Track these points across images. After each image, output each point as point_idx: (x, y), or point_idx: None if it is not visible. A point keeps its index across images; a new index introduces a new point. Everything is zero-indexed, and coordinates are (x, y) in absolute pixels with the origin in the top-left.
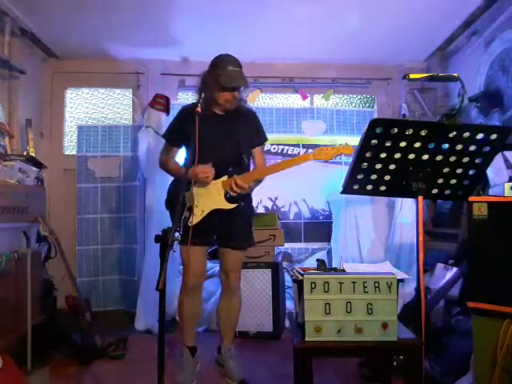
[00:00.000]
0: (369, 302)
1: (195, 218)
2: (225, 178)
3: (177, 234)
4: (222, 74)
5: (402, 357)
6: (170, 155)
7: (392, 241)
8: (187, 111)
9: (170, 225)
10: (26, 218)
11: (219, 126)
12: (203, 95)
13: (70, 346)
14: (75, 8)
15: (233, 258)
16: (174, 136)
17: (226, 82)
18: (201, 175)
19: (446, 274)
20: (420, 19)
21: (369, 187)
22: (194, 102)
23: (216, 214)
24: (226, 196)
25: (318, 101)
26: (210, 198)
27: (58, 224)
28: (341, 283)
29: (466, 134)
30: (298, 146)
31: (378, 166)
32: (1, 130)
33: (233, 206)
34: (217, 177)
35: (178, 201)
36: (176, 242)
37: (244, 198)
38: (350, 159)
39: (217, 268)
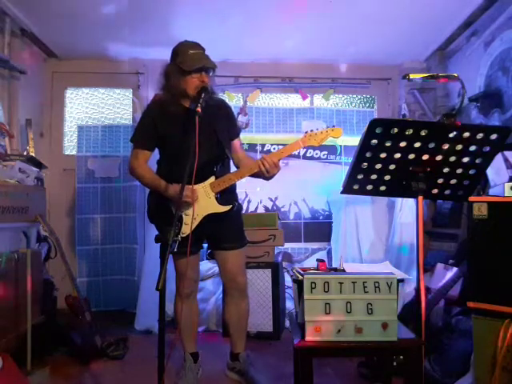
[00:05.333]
0: (369, 302)
1: (187, 228)
2: (212, 179)
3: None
4: (183, 60)
5: (401, 357)
6: (141, 160)
7: (392, 241)
8: (158, 109)
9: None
10: (26, 217)
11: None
12: (169, 89)
13: (70, 346)
14: (75, 8)
15: (235, 260)
16: (147, 138)
17: (189, 66)
18: (188, 198)
19: (446, 274)
20: (420, 19)
21: (369, 187)
22: (161, 98)
23: (207, 218)
24: (217, 199)
25: (318, 101)
26: (200, 203)
27: (58, 224)
28: (341, 283)
29: (466, 134)
30: None
31: (378, 166)
32: (1, 130)
33: (227, 208)
34: (202, 179)
35: (161, 212)
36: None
37: (235, 198)
38: (350, 159)
39: (217, 268)
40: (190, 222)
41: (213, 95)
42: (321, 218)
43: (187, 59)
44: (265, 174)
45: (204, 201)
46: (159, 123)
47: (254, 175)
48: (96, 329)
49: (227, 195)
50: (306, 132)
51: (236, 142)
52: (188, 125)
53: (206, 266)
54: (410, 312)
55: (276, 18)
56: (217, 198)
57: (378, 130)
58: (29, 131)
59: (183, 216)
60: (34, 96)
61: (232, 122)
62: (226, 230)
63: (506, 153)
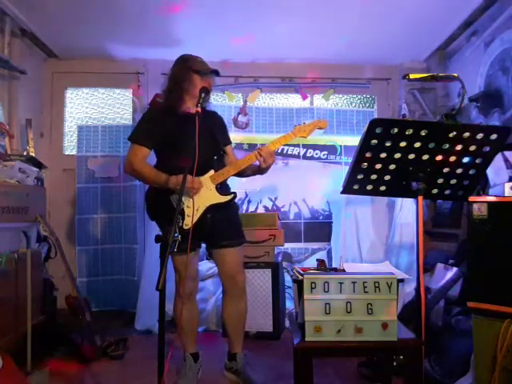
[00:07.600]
0: (369, 302)
1: (189, 219)
2: (211, 172)
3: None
4: (196, 64)
5: (401, 357)
6: (139, 156)
7: (392, 241)
8: (160, 110)
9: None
10: (25, 218)
11: (196, 123)
12: (184, 90)
13: (69, 346)
14: (75, 8)
15: (234, 258)
16: (148, 137)
17: (205, 68)
18: (190, 184)
19: (446, 274)
20: (420, 19)
21: (369, 187)
22: (162, 100)
23: (207, 212)
24: (217, 190)
25: (318, 101)
26: (201, 195)
27: (58, 224)
28: (341, 283)
29: (466, 134)
30: (298, 146)
31: (378, 166)
32: (1, 130)
33: (228, 197)
34: (202, 174)
35: (162, 208)
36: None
37: (231, 191)
38: (350, 159)
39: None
40: (191, 214)
41: (207, 103)
42: (321, 218)
43: (199, 64)
44: (262, 164)
45: (205, 193)
46: (162, 123)
47: (250, 174)
48: (96, 329)
49: (225, 187)
50: (295, 126)
51: (229, 148)
52: (188, 124)
53: (206, 266)
54: (410, 312)
55: (276, 18)
56: (217, 190)
57: (378, 130)
58: (29, 131)
59: (185, 209)
60: (34, 96)
61: (225, 130)
62: (225, 226)
63: (506, 153)
